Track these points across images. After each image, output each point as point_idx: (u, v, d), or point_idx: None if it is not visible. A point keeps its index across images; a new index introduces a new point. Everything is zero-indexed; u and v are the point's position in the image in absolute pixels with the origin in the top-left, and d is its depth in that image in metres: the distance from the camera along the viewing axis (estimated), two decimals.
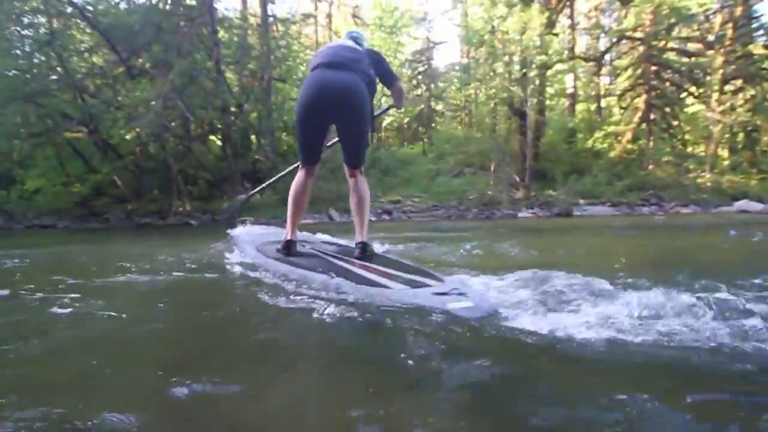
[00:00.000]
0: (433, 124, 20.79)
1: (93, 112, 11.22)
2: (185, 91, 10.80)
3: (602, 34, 16.96)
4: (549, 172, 13.74)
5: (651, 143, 14.61)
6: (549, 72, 14.60)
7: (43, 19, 11.82)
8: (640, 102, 14.87)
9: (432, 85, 21.43)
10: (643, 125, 14.73)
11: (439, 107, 21.94)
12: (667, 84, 15.08)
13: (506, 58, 14.88)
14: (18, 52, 11.60)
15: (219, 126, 12.29)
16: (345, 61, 2.25)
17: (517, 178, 13.28)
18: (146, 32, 10.94)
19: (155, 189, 12.41)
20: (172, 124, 11.29)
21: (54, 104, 11.48)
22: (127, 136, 12.56)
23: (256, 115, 13.52)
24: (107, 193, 12.23)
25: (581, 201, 12.00)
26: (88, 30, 12.28)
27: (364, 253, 2.23)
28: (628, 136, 14.71)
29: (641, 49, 14.72)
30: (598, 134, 15.53)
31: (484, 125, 16.39)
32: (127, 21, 11.11)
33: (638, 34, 14.44)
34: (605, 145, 15.16)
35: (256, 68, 13.23)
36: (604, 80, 18.80)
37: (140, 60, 11.72)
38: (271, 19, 14.57)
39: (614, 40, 15.58)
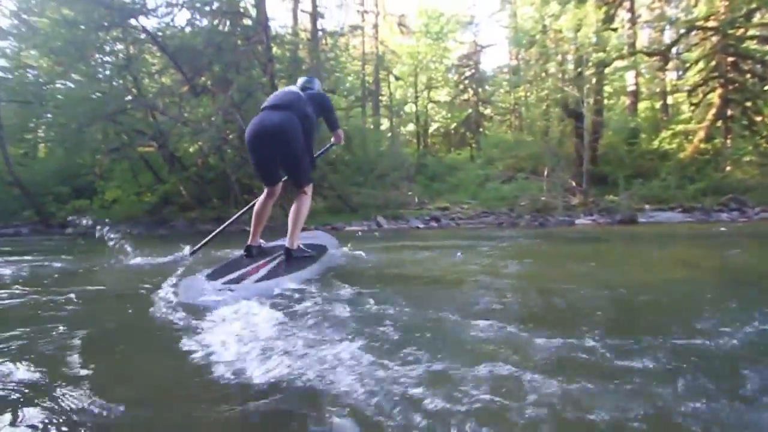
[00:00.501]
0: (480, 129, 20.36)
1: (162, 128, 12.22)
2: (243, 106, 11.45)
3: (668, 26, 15.68)
4: (609, 176, 12.85)
5: (729, 142, 13.20)
6: (607, 70, 13.73)
7: (121, 46, 13.15)
8: (715, 97, 13.52)
9: (479, 89, 21.04)
10: (719, 122, 13.35)
11: (487, 111, 21.44)
12: (747, 76, 13.58)
13: (559, 57, 14.23)
14: (100, 76, 12.98)
15: None
16: (283, 103, 2.71)
17: (573, 183, 12.57)
18: (208, 52, 11.77)
19: (215, 198, 13.23)
20: (231, 136, 12.01)
21: (129, 122, 12.68)
22: (191, 149, 13.54)
23: None
24: (173, 201, 13.21)
25: (647, 206, 11.09)
26: (158, 53, 13.46)
27: (288, 257, 2.70)
28: (701, 134, 13.40)
29: (715, 39, 13.41)
30: (664, 134, 14.31)
31: (536, 128, 15.75)
32: (191, 43, 12.03)
33: (711, 23, 13.18)
34: (673, 145, 13.92)
35: None
36: (670, 75, 17.35)
37: (203, 78, 12.61)
38: (320, 33, 15.12)
39: (682, 31, 14.33)
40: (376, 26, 19.14)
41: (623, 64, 14.18)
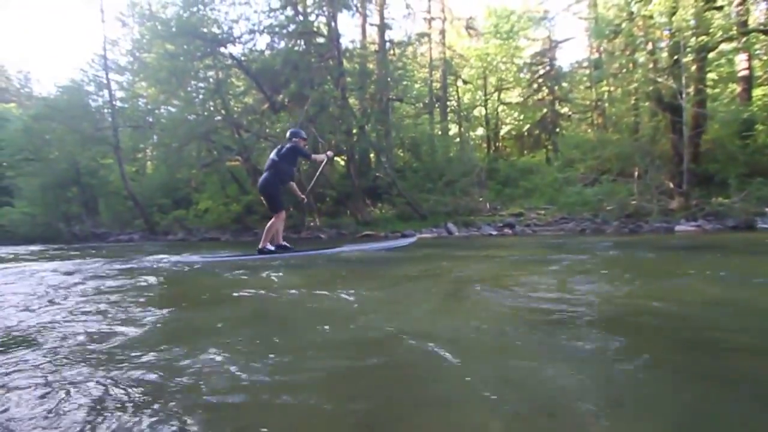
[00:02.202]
0: (557, 129, 19.07)
1: (246, 143, 13.32)
2: (317, 119, 12.05)
3: None
4: (716, 175, 11.17)
5: None
6: (711, 54, 12.00)
7: (211, 73, 14.67)
8: None
9: (555, 87, 19.76)
10: None
11: (565, 110, 20.04)
12: None
13: (649, 46, 12.80)
14: (195, 101, 14.59)
15: (344, 147, 13.34)
16: (267, 167, 4.90)
17: (671, 184, 11.15)
18: (285, 72, 12.62)
19: (291, 206, 14.03)
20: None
21: (219, 140, 14.03)
22: None
23: (375, 135, 14.31)
24: (256, 211, 14.27)
25: None
26: (242, 76, 14.77)
27: (259, 252, 4.74)
28: None
29: None
30: None
31: (623, 125, 14.30)
32: (271, 64, 12.99)
33: None
34: None
35: (375, 91, 14.06)
36: None
37: (281, 96, 13.53)
38: (388, 44, 15.40)
39: None
40: (443, 32, 18.98)
41: (732, 46, 12.28)
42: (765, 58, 14.50)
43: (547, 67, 19.92)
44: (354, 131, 13.07)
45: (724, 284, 2.53)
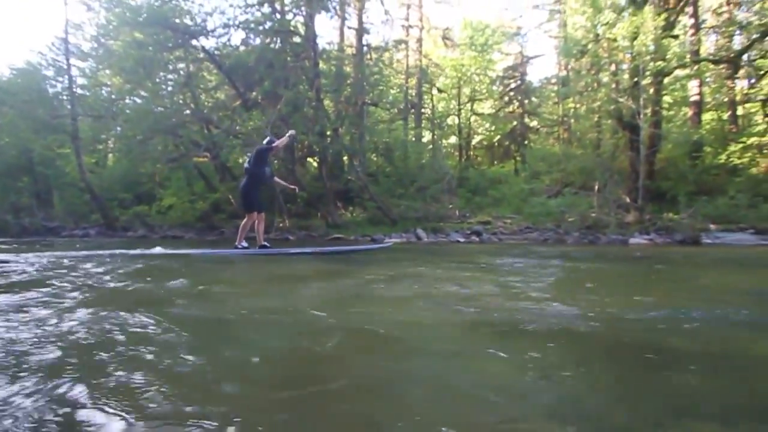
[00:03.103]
0: (526, 142, 19.76)
1: (216, 140, 12.96)
2: (290, 119, 11.90)
3: (738, 31, 14.49)
4: (668, 192, 11.93)
5: None
6: (667, 79, 12.85)
7: (182, 65, 14.20)
8: None
9: (525, 101, 20.49)
10: None
11: (533, 123, 20.81)
12: None
13: (612, 67, 13.53)
14: (163, 93, 14.07)
15: (317, 149, 13.25)
16: (246, 172, 5.45)
17: (627, 199, 11.79)
18: (259, 69, 12.41)
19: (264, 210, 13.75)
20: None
21: (187, 134, 13.57)
22: (240, 160, 14.23)
23: (349, 138, 14.31)
24: (223, 209, 13.90)
25: (712, 226, 10.13)
26: (214, 71, 14.40)
27: (234, 248, 5.33)
28: None
29: None
30: (734, 147, 13.07)
31: (586, 141, 15.01)
32: (245, 61, 12.74)
33: None
34: (744, 159, 12.68)
35: (350, 94, 14.07)
36: (741, 84, 15.95)
37: (254, 93, 13.28)
38: (365, 48, 15.46)
39: (756, 36, 13.16)
40: (420, 40, 19.28)
41: (685, 72, 13.20)
42: (714, 85, 15.63)
43: (518, 82, 20.64)
44: (327, 133, 13.01)
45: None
